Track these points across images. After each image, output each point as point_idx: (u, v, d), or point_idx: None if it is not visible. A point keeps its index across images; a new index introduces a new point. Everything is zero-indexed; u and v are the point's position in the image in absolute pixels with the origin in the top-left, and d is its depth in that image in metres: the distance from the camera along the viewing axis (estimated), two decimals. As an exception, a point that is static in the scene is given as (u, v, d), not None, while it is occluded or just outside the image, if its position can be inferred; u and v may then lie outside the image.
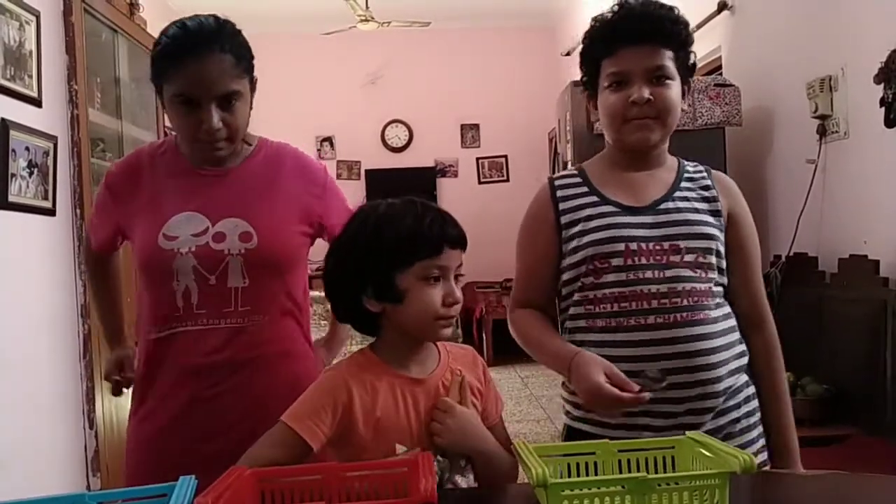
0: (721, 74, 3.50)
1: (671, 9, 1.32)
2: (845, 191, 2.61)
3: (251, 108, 1.37)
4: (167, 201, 1.37)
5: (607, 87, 1.31)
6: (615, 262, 1.28)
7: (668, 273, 1.27)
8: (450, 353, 1.18)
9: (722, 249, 1.32)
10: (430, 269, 1.08)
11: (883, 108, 2.30)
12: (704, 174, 1.38)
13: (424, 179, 7.19)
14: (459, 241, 1.12)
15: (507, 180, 7.40)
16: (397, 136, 7.51)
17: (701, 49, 3.83)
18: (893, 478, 1.25)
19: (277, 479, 0.96)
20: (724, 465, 0.90)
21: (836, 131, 2.65)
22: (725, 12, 3.55)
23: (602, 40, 1.31)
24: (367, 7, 5.51)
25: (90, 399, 3.02)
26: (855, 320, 2.35)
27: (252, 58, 1.35)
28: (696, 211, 1.32)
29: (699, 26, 3.77)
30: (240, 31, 1.34)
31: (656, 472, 1.02)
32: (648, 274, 1.27)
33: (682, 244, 1.28)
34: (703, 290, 1.28)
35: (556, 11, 6.96)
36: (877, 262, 2.33)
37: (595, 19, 1.34)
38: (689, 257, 1.28)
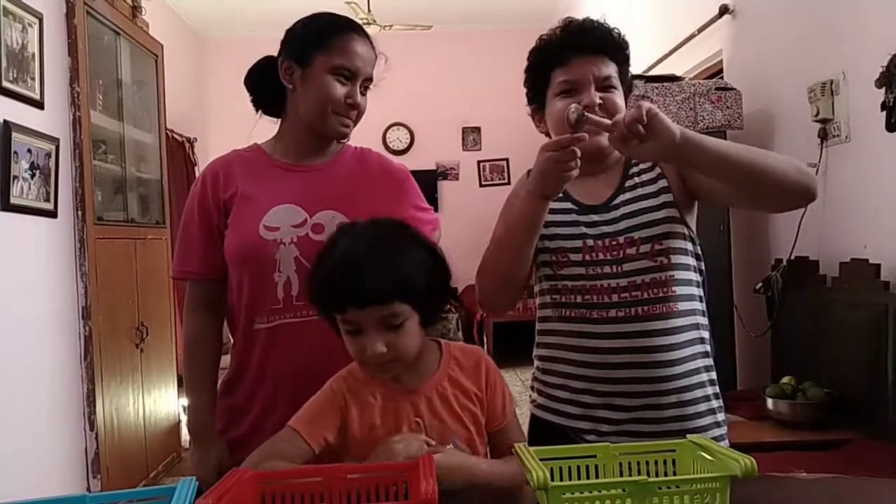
0: (722, 78, 3.50)
1: (612, 28, 1.38)
2: (846, 195, 2.61)
3: None
4: (263, 195, 1.41)
5: (558, 95, 1.36)
6: (574, 257, 1.33)
7: (626, 267, 1.31)
8: (454, 358, 1.18)
9: (680, 228, 1.33)
10: (343, 324, 1.09)
11: (884, 113, 2.31)
12: None
13: (426, 182, 7.09)
14: (374, 300, 1.04)
15: (509, 183, 7.39)
16: (399, 138, 7.51)
17: (702, 53, 3.89)
18: (895, 481, 1.25)
19: (278, 481, 0.96)
20: (725, 469, 0.90)
21: (838, 135, 2.65)
22: (727, 16, 3.55)
23: (554, 51, 1.37)
24: (368, 10, 5.52)
25: (91, 401, 3.02)
26: (856, 324, 2.35)
27: None
28: (646, 197, 1.35)
29: (700, 30, 3.78)
30: None
31: (657, 476, 1.02)
32: (607, 269, 1.31)
33: (637, 235, 1.32)
34: (665, 279, 1.30)
35: (557, 15, 6.93)
36: (878, 266, 2.33)
37: (542, 38, 1.41)
38: (644, 247, 1.31)
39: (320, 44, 1.39)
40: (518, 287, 1.35)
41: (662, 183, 1.35)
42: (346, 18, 1.45)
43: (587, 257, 1.33)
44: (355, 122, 1.44)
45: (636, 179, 1.38)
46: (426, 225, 1.45)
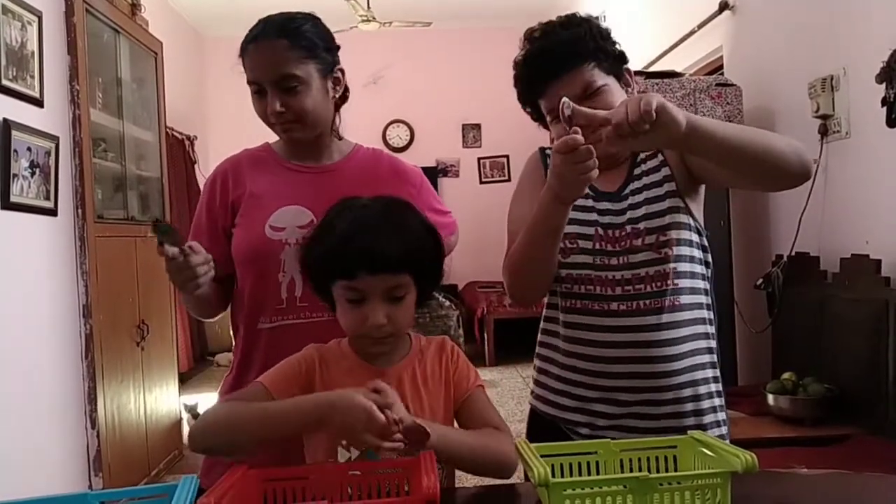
0: (722, 74, 3.50)
1: (573, 24, 1.32)
2: (847, 190, 2.61)
3: (336, 96, 1.44)
4: (270, 195, 1.40)
5: (552, 121, 1.33)
6: (583, 243, 1.31)
7: (632, 259, 1.29)
8: (422, 346, 1.18)
9: (686, 219, 1.31)
10: (346, 291, 1.08)
11: (885, 108, 2.30)
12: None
13: (426, 179, 7.19)
14: (386, 267, 1.04)
15: (509, 180, 7.40)
16: (398, 136, 7.52)
17: (702, 49, 3.88)
18: (895, 477, 1.25)
19: (280, 478, 0.96)
20: (726, 465, 0.90)
21: (838, 131, 2.65)
22: (727, 12, 3.55)
23: (528, 83, 1.34)
24: (368, 7, 5.52)
25: (92, 399, 3.02)
26: (857, 320, 2.35)
27: (323, 47, 1.39)
28: (650, 186, 1.33)
29: (700, 26, 3.77)
30: (312, 21, 1.40)
31: (658, 472, 1.02)
32: (613, 261, 1.30)
33: (643, 225, 1.30)
34: (669, 271, 1.28)
35: (557, 11, 6.94)
36: (878, 262, 2.33)
37: (515, 62, 1.36)
38: (650, 238, 1.29)
39: (243, 66, 1.39)
40: (548, 281, 1.33)
41: (666, 171, 1.33)
42: (258, 25, 1.38)
43: (597, 246, 1.31)
44: (302, 122, 1.38)
45: (642, 167, 1.35)
46: (444, 228, 1.38)
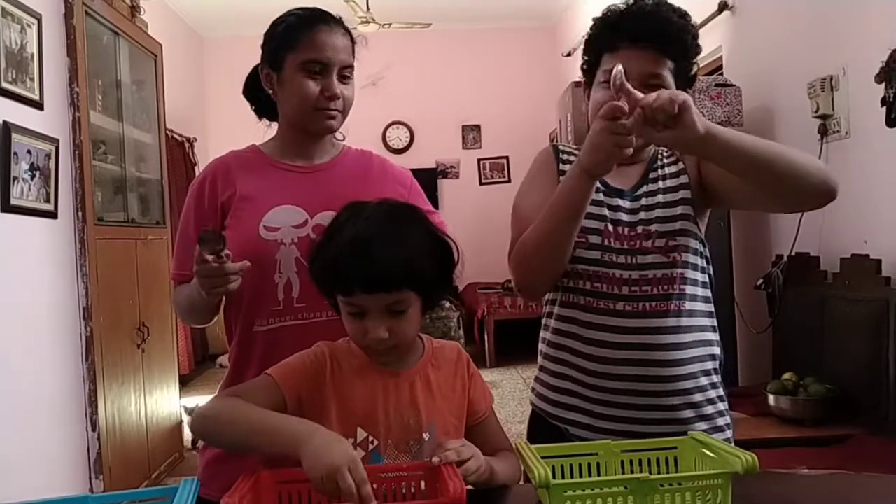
0: (722, 74, 3.50)
1: (684, 15, 1.31)
2: (847, 190, 2.58)
3: None
4: (262, 195, 1.38)
5: (602, 83, 1.30)
6: (593, 238, 1.30)
7: (640, 259, 1.28)
8: (434, 350, 1.17)
9: (693, 228, 1.31)
10: (346, 305, 1.08)
11: (884, 108, 2.31)
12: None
13: (426, 181, 7.06)
14: (381, 287, 1.03)
15: (509, 181, 7.40)
16: (398, 137, 7.51)
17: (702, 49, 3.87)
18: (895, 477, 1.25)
19: (296, 481, 0.95)
20: (727, 466, 0.90)
21: (838, 131, 2.65)
22: (726, 12, 3.55)
23: (607, 32, 1.30)
24: (367, 9, 5.51)
25: (92, 401, 3.02)
26: (857, 320, 2.35)
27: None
28: (666, 191, 1.32)
29: (700, 26, 3.77)
30: None
31: (658, 473, 1.02)
32: (621, 259, 1.28)
33: (654, 227, 1.29)
34: (676, 276, 1.28)
35: (557, 12, 6.97)
36: (879, 262, 2.33)
37: (608, 8, 1.33)
38: (659, 242, 1.28)
39: (287, 43, 1.37)
40: (559, 269, 1.29)
41: (684, 179, 1.33)
42: (313, 11, 1.39)
43: (605, 242, 1.30)
44: (343, 113, 1.41)
45: (659, 171, 1.35)
46: None
